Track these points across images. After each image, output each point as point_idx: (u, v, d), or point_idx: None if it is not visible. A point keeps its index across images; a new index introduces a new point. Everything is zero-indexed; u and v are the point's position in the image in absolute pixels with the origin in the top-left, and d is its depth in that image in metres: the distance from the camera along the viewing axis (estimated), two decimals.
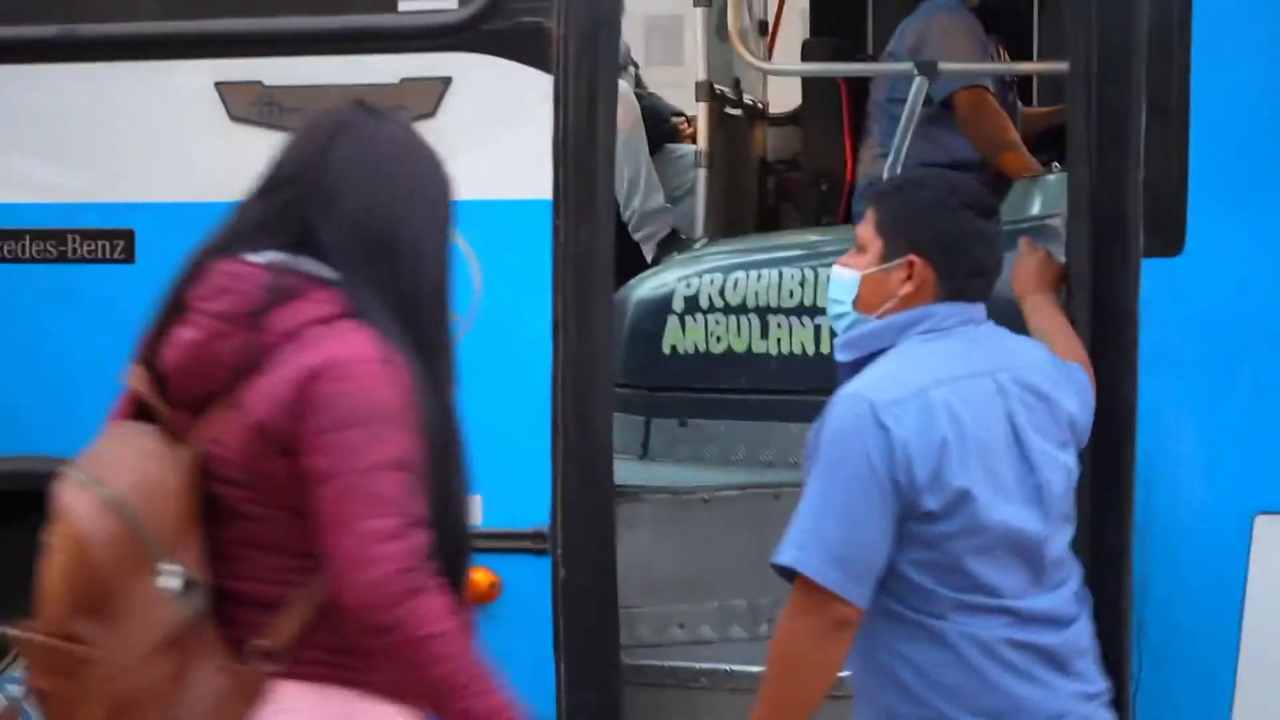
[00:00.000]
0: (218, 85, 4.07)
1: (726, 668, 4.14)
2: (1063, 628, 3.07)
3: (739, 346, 4.81)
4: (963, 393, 3.01)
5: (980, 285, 3.17)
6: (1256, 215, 3.61)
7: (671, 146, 6.10)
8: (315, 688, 2.56)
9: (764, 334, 4.81)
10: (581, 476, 3.91)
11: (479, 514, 3.90)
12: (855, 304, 3.17)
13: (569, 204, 3.88)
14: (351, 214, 2.58)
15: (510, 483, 3.94)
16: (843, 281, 3.18)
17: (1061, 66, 3.92)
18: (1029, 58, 6.25)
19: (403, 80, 3.97)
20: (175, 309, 2.60)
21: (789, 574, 2.97)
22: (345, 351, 2.51)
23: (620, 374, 4.70)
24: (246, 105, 4.06)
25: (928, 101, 5.10)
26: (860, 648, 3.03)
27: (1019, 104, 5.84)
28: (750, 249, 5.11)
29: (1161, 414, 3.61)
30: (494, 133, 3.95)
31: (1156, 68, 3.60)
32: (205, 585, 2.51)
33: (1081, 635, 3.12)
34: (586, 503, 3.90)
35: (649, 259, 5.65)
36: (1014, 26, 5.83)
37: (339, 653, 2.55)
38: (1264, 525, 3.60)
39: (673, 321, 4.85)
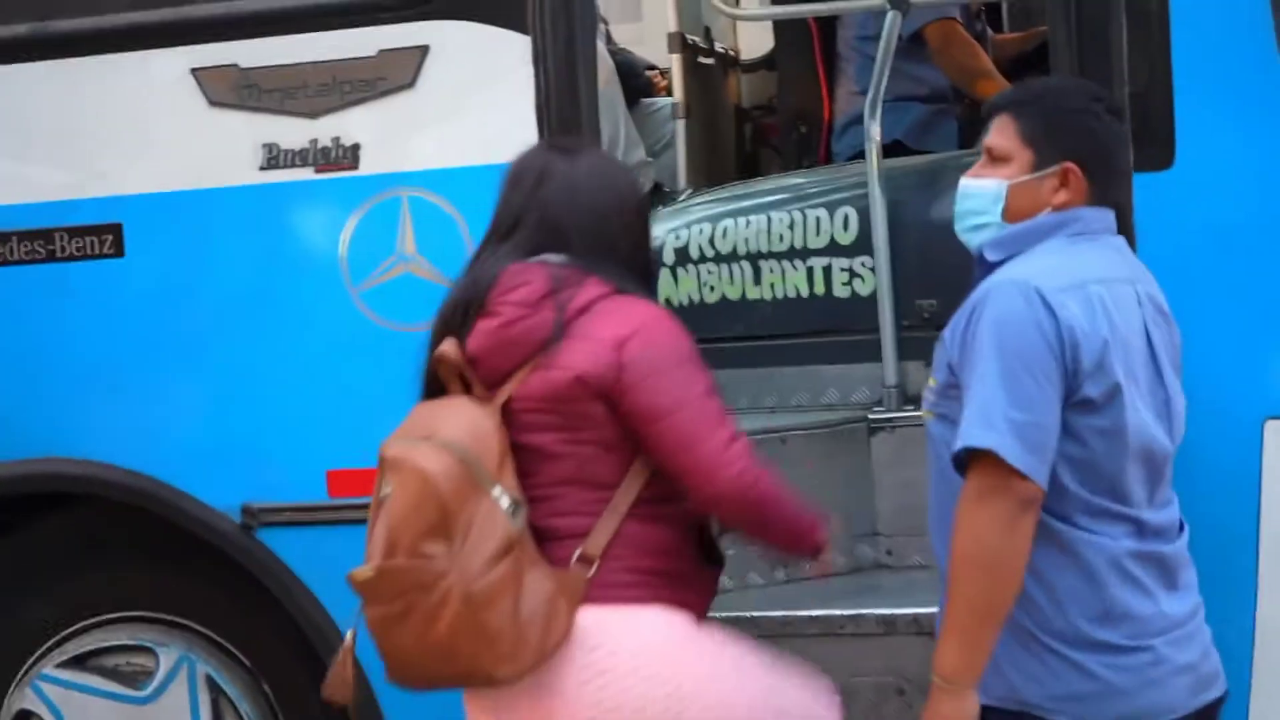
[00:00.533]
0: (194, 71, 4.05)
1: (747, 614, 4.14)
2: (1173, 540, 3.12)
3: (733, 295, 4.81)
4: (1115, 295, 3.04)
5: (1123, 190, 3.22)
6: (1245, 123, 3.60)
7: (647, 101, 6.08)
8: (620, 611, 3.11)
9: (757, 280, 4.80)
10: None
11: None
12: (1004, 214, 3.14)
13: None
14: (577, 231, 3.21)
15: None
16: (986, 193, 3.15)
17: None
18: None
19: (380, 52, 3.96)
20: (467, 311, 3.19)
21: (964, 463, 2.94)
22: (645, 316, 3.16)
23: None
24: (224, 89, 4.04)
25: (898, 37, 5.08)
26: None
27: (989, 31, 5.82)
28: (735, 196, 5.10)
29: None
30: (475, 98, 3.94)
31: None
32: (524, 505, 3.07)
33: (1184, 548, 3.15)
34: None
35: None
36: None
37: (638, 573, 3.12)
38: (1274, 430, 3.61)
39: (664, 274, 4.84)
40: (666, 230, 4.91)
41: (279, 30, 4.02)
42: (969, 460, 2.94)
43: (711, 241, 4.83)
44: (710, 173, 5.84)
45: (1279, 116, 3.59)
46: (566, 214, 3.21)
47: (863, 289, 4.60)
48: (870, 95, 4.95)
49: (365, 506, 3.95)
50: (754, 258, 4.78)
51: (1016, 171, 3.14)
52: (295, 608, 4.09)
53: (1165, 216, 3.62)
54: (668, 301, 4.82)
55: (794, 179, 5.39)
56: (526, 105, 3.87)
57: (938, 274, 4.39)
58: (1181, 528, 3.17)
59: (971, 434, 2.92)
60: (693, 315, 4.80)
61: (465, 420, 3.11)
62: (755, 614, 4.13)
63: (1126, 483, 3.03)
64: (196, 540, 4.13)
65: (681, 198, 5.42)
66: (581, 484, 3.14)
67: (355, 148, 3.98)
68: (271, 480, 4.07)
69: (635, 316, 3.14)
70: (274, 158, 4.02)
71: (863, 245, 4.63)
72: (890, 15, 4.99)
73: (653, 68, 6.25)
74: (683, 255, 4.83)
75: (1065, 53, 3.63)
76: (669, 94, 5.93)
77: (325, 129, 3.99)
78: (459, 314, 3.20)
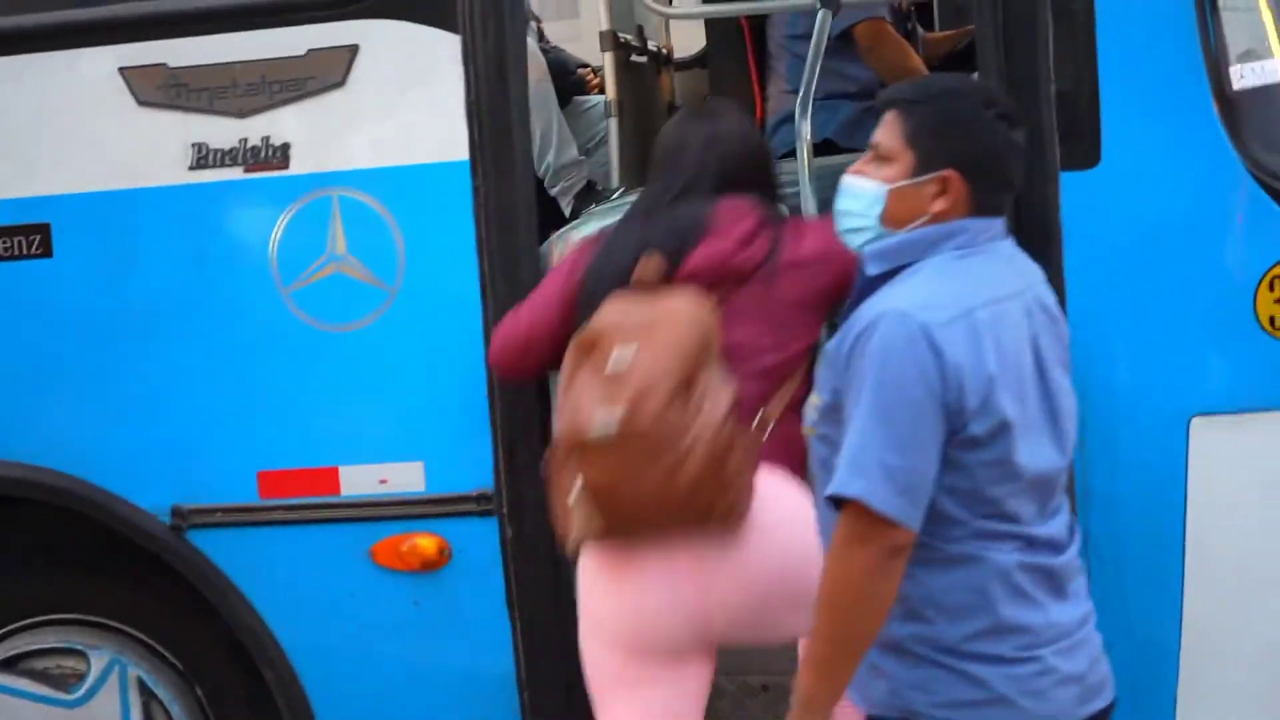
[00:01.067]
0: (122, 70, 4.03)
1: None
2: (1063, 550, 3.07)
3: None
4: (1000, 316, 2.95)
5: (1008, 200, 3.10)
6: (1171, 121, 3.64)
7: (580, 99, 6.07)
8: (775, 473, 3.47)
9: None
10: (521, 434, 3.90)
11: (421, 480, 3.95)
12: (882, 218, 3.04)
13: (486, 162, 3.86)
14: (750, 178, 3.70)
15: (451, 446, 3.94)
16: (865, 193, 3.05)
17: None
18: None
19: (309, 51, 3.94)
20: (685, 240, 3.57)
21: (838, 502, 2.91)
22: (827, 234, 3.36)
23: None
24: (153, 89, 4.01)
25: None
26: None
27: (920, 29, 5.85)
28: None
29: (1091, 324, 3.65)
30: (406, 97, 3.93)
31: None
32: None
33: (1075, 556, 3.11)
34: (528, 460, 3.89)
35: (567, 213, 5.63)
36: None
37: (786, 442, 3.48)
38: (1200, 427, 3.65)
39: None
40: (598, 229, 4.90)
41: (208, 29, 4.00)
42: (842, 503, 2.90)
43: None
44: (643, 171, 5.83)
45: (1203, 114, 3.62)
46: (740, 166, 3.68)
47: None
48: (801, 94, 4.95)
49: (297, 507, 4.01)
50: None
51: (898, 173, 3.02)
52: (227, 610, 4.07)
53: (1091, 214, 3.65)
54: None
55: None
56: (457, 104, 3.87)
57: None
58: (1073, 534, 3.13)
59: (842, 480, 2.88)
60: None
61: (689, 300, 3.48)
62: None
63: (1014, 504, 2.97)
64: (128, 542, 4.11)
65: (614, 196, 5.41)
66: (760, 375, 3.54)
67: (285, 147, 3.97)
68: (202, 482, 4.05)
69: (821, 235, 3.56)
70: (203, 157, 4.00)
71: None
72: (820, 15, 5.00)
73: (585, 66, 6.24)
74: None
75: (991, 51, 3.65)
76: (601, 92, 5.92)
77: (255, 128, 3.98)
78: (676, 241, 3.55)
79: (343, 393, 3.99)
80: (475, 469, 3.92)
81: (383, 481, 3.96)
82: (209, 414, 4.04)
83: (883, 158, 3.05)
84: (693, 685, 3.51)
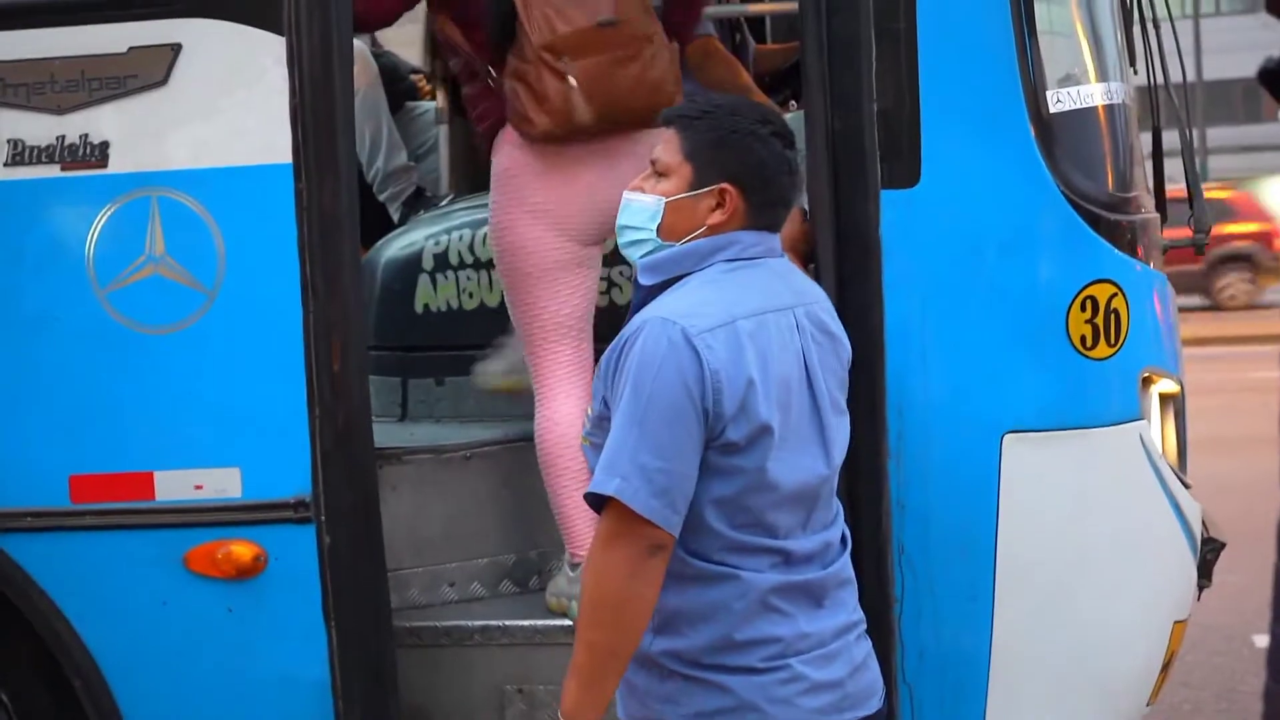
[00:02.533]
0: None
1: (500, 623, 4.15)
2: (828, 564, 3.09)
3: (491, 302, 4.80)
4: (767, 326, 3.00)
5: (783, 215, 3.15)
6: (987, 143, 3.70)
7: (411, 104, 6.04)
8: None
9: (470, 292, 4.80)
10: (340, 441, 3.86)
11: (238, 486, 3.90)
12: (659, 230, 3.09)
13: (309, 165, 3.82)
14: None
15: (269, 452, 3.89)
16: (644, 207, 3.11)
17: (790, 5, 3.98)
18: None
19: (131, 49, 3.88)
20: None
21: (599, 502, 2.93)
22: None
23: (373, 336, 4.66)
24: None
25: None
26: None
27: (751, 42, 5.89)
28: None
29: (909, 340, 3.70)
30: (229, 98, 3.87)
31: None
32: None
33: (845, 568, 3.14)
34: (347, 467, 3.86)
35: (395, 219, 5.59)
36: None
37: None
38: (1012, 443, 3.71)
39: (423, 280, 4.82)
40: (426, 236, 4.89)
41: (26, 24, 3.92)
42: (602, 503, 2.92)
43: (471, 248, 4.81)
44: (474, 178, 5.82)
45: (1020, 136, 3.69)
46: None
47: (620, 298, 4.62)
48: None
49: (109, 512, 3.93)
50: None
51: (676, 187, 3.08)
52: (35, 615, 3.98)
53: (910, 232, 3.70)
54: (425, 307, 4.81)
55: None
56: (281, 106, 3.83)
57: None
58: (845, 543, 3.15)
59: (599, 479, 2.91)
60: (451, 322, 4.79)
61: None
62: (507, 623, 4.15)
63: (774, 516, 3.00)
64: None
65: (443, 203, 5.39)
66: None
67: (104, 145, 3.90)
68: (11, 485, 3.96)
69: None
70: (19, 154, 3.92)
71: (620, 255, 4.65)
72: None
73: (418, 71, 6.21)
74: (442, 261, 4.81)
75: (815, 68, 3.69)
76: (434, 98, 5.90)
77: (73, 125, 3.90)
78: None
79: (159, 396, 3.92)
80: (293, 475, 3.87)
81: (198, 487, 3.90)
82: (19, 415, 3.96)
83: (660, 173, 3.11)
84: (596, 273, 4.30)
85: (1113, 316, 3.71)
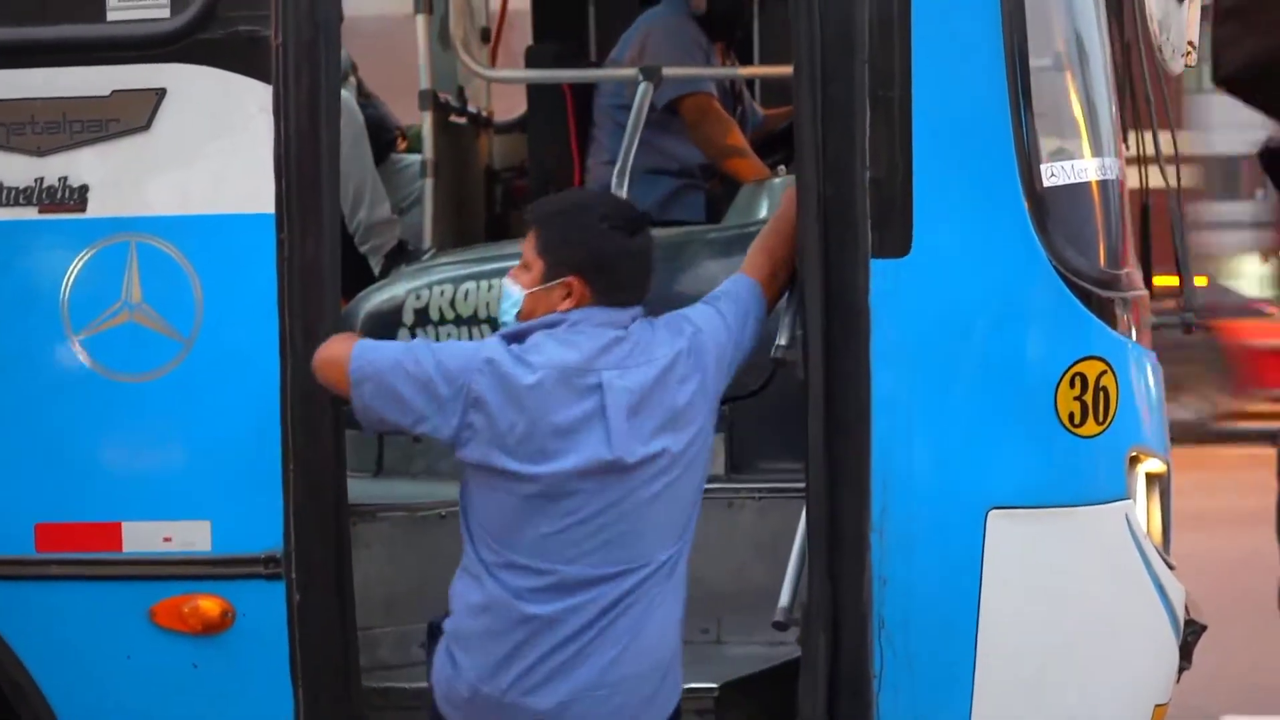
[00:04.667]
0: None
1: None
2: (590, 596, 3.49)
3: None
4: (550, 382, 3.46)
5: (629, 296, 3.59)
6: (979, 215, 3.67)
7: (397, 156, 6.00)
8: None
9: None
10: (314, 496, 3.81)
11: (208, 540, 3.83)
12: (519, 316, 3.58)
13: (292, 216, 3.78)
14: None
15: (241, 506, 3.84)
16: (510, 295, 3.61)
17: (785, 70, 3.95)
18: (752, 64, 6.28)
19: (114, 92, 3.84)
20: None
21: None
22: None
23: None
24: None
25: (652, 108, 5.09)
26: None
27: (757, 108, 5.87)
28: (480, 259, 5.03)
29: (895, 412, 3.65)
30: (213, 145, 3.83)
31: (879, 67, 3.63)
32: None
33: (612, 616, 3.49)
34: (320, 523, 3.81)
35: (376, 271, 5.54)
36: (738, 35, 5.86)
37: None
38: (996, 520, 3.66)
39: (403, 335, 4.77)
40: (407, 290, 4.83)
41: (7, 63, 3.87)
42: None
43: (453, 303, 4.76)
44: (458, 233, 5.78)
45: (1013, 209, 3.65)
46: None
47: None
48: (619, 165, 4.94)
49: (75, 563, 3.86)
50: (495, 322, 4.70)
51: (533, 280, 3.57)
52: None
53: (900, 302, 3.66)
54: None
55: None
56: (265, 155, 3.79)
57: None
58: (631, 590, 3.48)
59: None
60: None
61: None
62: None
63: (537, 536, 3.46)
64: None
65: (425, 257, 5.34)
66: None
67: (83, 189, 3.85)
68: None
69: None
70: None
71: None
72: (642, 86, 5.00)
73: (400, 128, 6.17)
74: (422, 316, 4.76)
75: (809, 134, 3.66)
76: (409, 154, 5.87)
77: (52, 168, 3.85)
78: None
79: (130, 445, 3.87)
80: (265, 530, 3.81)
81: (167, 539, 3.84)
82: None
83: (525, 265, 3.60)
84: None
85: (1102, 394, 3.66)
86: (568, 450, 3.46)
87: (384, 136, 5.94)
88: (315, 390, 3.77)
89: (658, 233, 5.08)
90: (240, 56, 3.80)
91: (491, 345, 3.54)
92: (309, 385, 3.76)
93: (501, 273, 4.78)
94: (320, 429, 3.80)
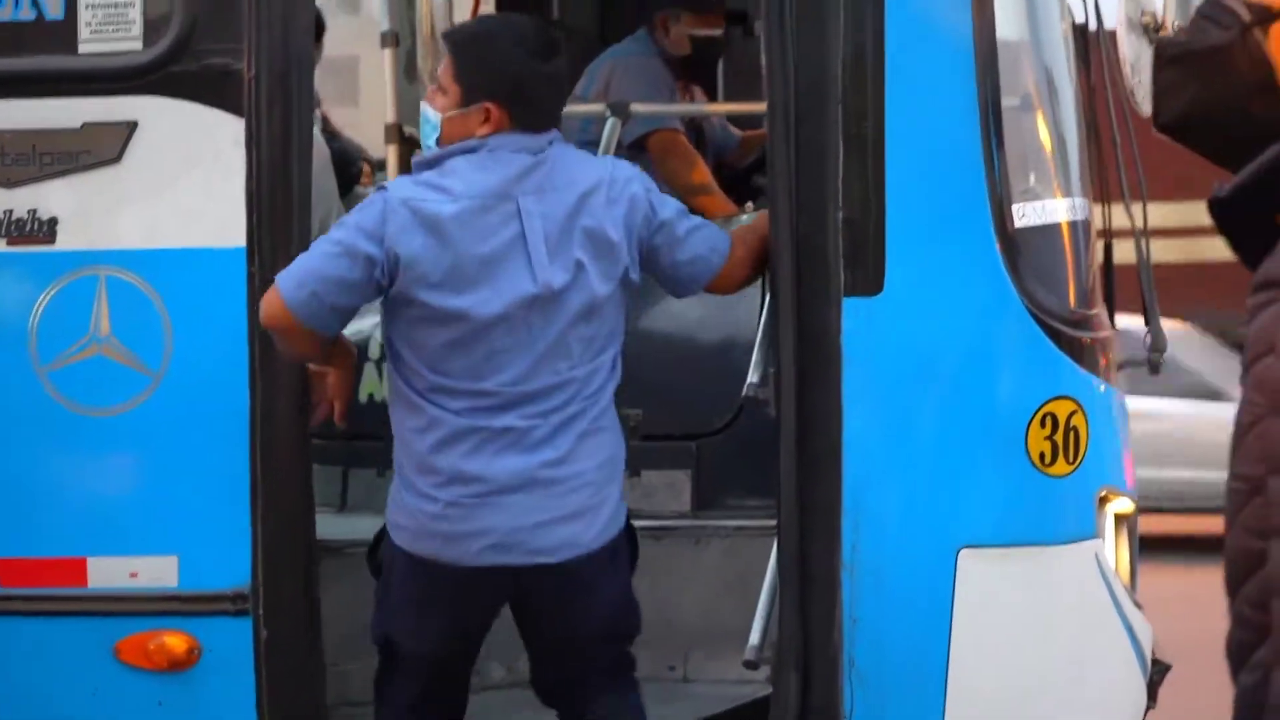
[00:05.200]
0: None
1: None
2: (536, 408, 3.54)
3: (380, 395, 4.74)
4: (469, 210, 3.51)
5: (546, 120, 3.62)
6: (952, 255, 3.68)
7: (362, 189, 5.99)
8: None
9: None
10: (282, 532, 3.78)
11: (174, 576, 3.80)
12: (438, 141, 3.62)
13: (264, 250, 3.76)
14: None
15: (208, 542, 3.81)
16: (428, 119, 3.65)
17: (752, 106, 3.96)
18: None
19: (84, 125, 3.82)
20: None
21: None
22: None
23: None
24: None
25: (619, 144, 5.10)
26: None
27: (733, 131, 5.85)
28: None
29: (867, 450, 3.66)
30: (184, 178, 3.82)
31: (852, 107, 3.65)
32: None
33: (563, 419, 3.55)
34: (289, 559, 3.78)
35: None
36: (704, 73, 5.88)
37: None
38: (967, 559, 3.67)
39: (369, 369, 4.75)
40: (373, 325, 4.80)
41: None
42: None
43: None
44: None
45: (985, 249, 3.67)
46: None
47: None
48: None
49: (39, 598, 3.83)
50: None
51: (449, 104, 3.61)
52: None
53: (872, 341, 3.66)
54: (370, 397, 4.74)
55: None
56: (237, 188, 3.77)
57: (643, 383, 4.38)
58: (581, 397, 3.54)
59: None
60: None
61: None
62: None
63: (471, 362, 3.51)
64: None
65: None
66: None
67: (53, 221, 3.82)
68: None
69: None
70: None
71: None
72: (610, 122, 5.01)
73: (368, 160, 6.16)
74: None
75: (784, 173, 3.66)
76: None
77: (21, 200, 3.83)
78: None
79: (97, 480, 3.84)
80: (232, 566, 3.78)
81: (133, 575, 3.81)
82: None
83: (441, 89, 3.64)
84: None
85: (1072, 434, 3.68)
86: (493, 280, 3.50)
87: (350, 169, 5.93)
88: (285, 425, 3.75)
89: None
90: (213, 89, 3.78)
91: (400, 184, 3.59)
92: (279, 419, 3.74)
93: None
94: (290, 464, 3.78)
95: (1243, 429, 1.45)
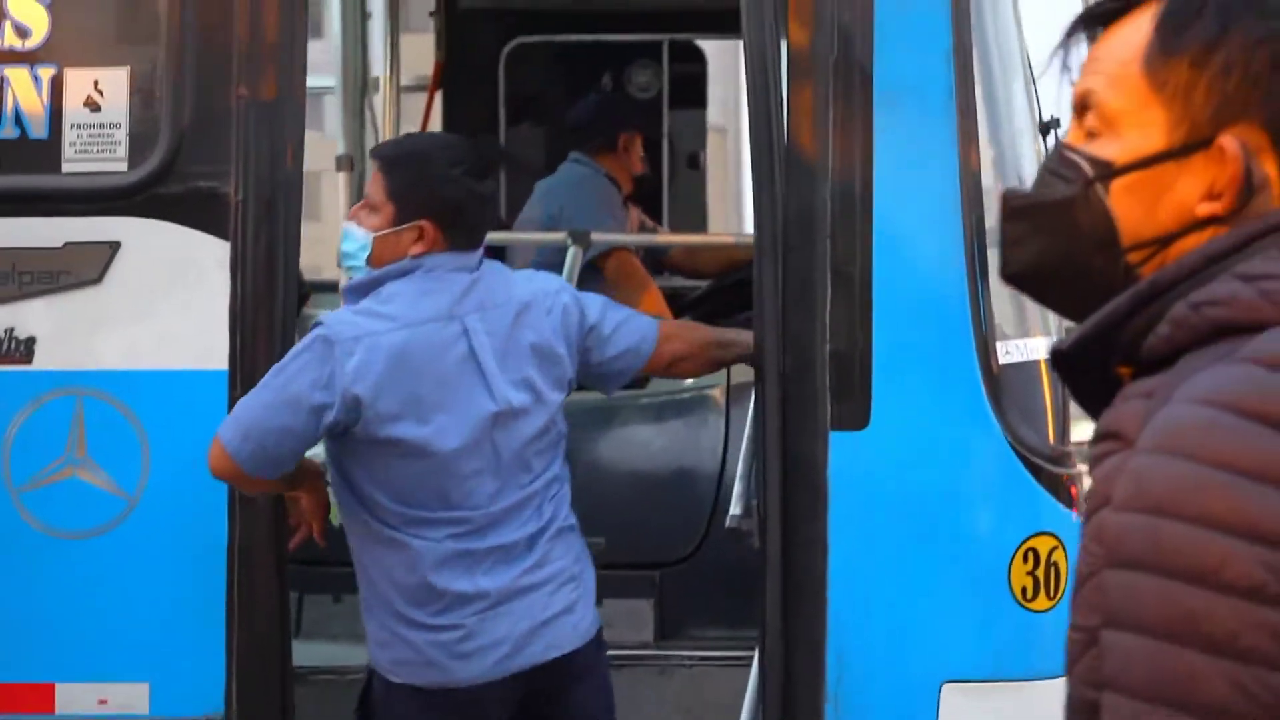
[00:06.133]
0: None
1: None
2: (517, 527, 3.53)
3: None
4: (421, 336, 3.47)
5: (477, 239, 3.62)
6: (938, 391, 3.72)
7: (307, 313, 5.96)
8: None
9: None
10: (258, 658, 3.74)
11: (145, 703, 3.73)
12: (369, 260, 3.56)
13: (245, 374, 3.73)
14: None
15: (181, 668, 3.75)
16: (356, 239, 3.58)
17: (728, 238, 4.00)
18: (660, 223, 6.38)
19: (66, 244, 3.79)
20: None
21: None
22: None
23: None
24: None
25: None
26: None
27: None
28: None
29: (852, 582, 3.67)
30: (166, 300, 3.79)
31: (840, 243, 3.69)
32: None
33: (542, 531, 3.55)
34: (264, 686, 3.73)
35: None
36: (647, 193, 5.94)
37: None
38: (951, 693, 3.68)
39: (329, 494, 4.70)
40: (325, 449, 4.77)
41: None
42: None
43: None
44: None
45: (970, 385, 3.71)
46: None
47: None
48: None
49: None
50: None
51: (382, 223, 3.55)
52: None
53: (858, 475, 3.69)
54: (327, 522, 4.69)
55: None
56: (220, 310, 3.75)
57: (606, 512, 4.38)
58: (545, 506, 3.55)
59: (227, 430, 3.46)
60: None
61: None
62: None
63: (443, 491, 3.48)
64: None
65: None
66: None
67: (30, 341, 3.78)
68: None
69: None
70: None
71: None
72: (571, 250, 5.04)
73: (304, 283, 6.13)
74: None
75: (770, 306, 3.69)
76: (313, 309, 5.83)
77: None
78: None
79: (67, 603, 3.77)
80: (205, 693, 3.72)
81: (102, 702, 3.74)
82: None
83: (371, 207, 3.59)
84: None
85: (1053, 569, 3.71)
86: (454, 404, 3.48)
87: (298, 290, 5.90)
88: (264, 549, 3.71)
89: (587, 396, 5.14)
90: (198, 212, 3.77)
91: (341, 320, 3.51)
92: (257, 543, 3.70)
93: None
94: (265, 590, 3.74)
95: (1080, 579, 1.49)
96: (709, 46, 6.88)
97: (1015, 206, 1.74)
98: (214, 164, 3.76)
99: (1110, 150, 1.66)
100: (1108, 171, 1.66)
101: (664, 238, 5.74)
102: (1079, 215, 1.67)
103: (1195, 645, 1.43)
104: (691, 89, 6.67)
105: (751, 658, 4.44)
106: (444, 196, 3.53)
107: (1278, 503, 1.45)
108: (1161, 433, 1.50)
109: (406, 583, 3.49)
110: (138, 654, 3.75)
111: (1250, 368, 1.50)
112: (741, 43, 3.72)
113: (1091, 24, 1.71)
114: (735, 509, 3.80)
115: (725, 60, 12.51)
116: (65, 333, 3.79)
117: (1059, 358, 1.67)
